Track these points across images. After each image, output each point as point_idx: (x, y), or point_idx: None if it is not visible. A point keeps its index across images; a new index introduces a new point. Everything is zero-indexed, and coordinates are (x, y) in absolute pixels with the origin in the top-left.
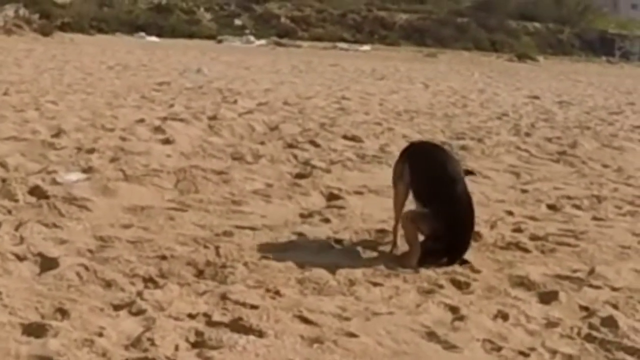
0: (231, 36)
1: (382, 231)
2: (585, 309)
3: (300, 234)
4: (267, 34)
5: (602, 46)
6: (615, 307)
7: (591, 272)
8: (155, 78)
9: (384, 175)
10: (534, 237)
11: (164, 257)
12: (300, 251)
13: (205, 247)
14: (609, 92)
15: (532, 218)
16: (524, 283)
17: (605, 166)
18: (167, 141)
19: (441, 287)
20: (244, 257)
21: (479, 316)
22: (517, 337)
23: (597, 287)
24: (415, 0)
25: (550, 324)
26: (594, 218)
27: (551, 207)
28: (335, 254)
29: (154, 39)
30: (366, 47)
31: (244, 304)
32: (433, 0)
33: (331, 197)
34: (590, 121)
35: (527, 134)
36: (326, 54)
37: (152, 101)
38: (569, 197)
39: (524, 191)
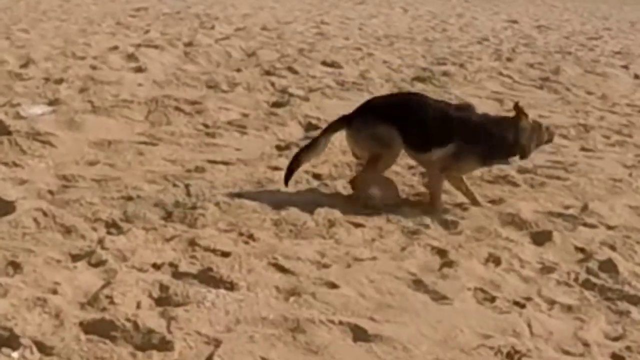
0: None
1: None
2: (581, 250)
3: (276, 169)
4: None
5: None
6: (612, 248)
7: (584, 208)
8: (133, 3)
9: None
10: (522, 170)
11: (129, 198)
12: (277, 188)
13: (175, 185)
14: (585, 17)
15: None
16: (514, 222)
17: (589, 93)
18: (139, 69)
19: (427, 227)
20: (216, 197)
21: (469, 261)
22: (511, 285)
23: (592, 226)
24: None
25: (546, 269)
26: (583, 148)
27: None
28: (313, 191)
29: None
30: None
31: (214, 251)
32: None
33: (309, 127)
34: (571, 46)
35: (509, 59)
36: None
37: (127, 27)
38: (555, 126)
39: None
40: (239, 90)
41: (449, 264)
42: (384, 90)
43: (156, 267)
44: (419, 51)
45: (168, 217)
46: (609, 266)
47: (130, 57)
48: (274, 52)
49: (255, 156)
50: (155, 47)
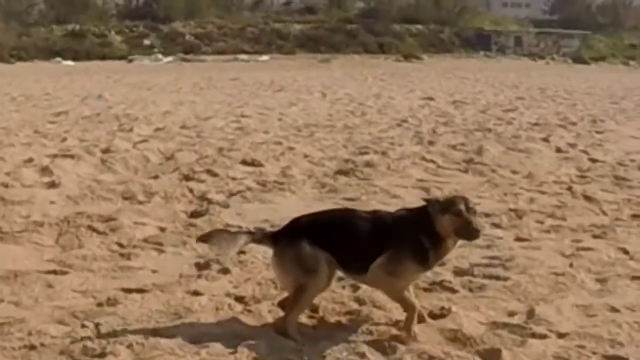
0: (141, 55)
1: None
2: None
3: (195, 293)
4: (174, 51)
5: (480, 42)
6: None
7: (530, 314)
8: (55, 108)
9: (287, 204)
10: (458, 272)
11: (32, 347)
12: (196, 318)
13: (84, 325)
14: (497, 87)
15: None
16: (458, 338)
17: (514, 172)
18: (52, 184)
19: (363, 356)
20: (128, 337)
21: None
22: None
23: (542, 336)
24: (308, 12)
25: None
26: (518, 239)
27: None
28: (236, 319)
29: (69, 63)
30: (265, 57)
31: None
32: (324, 11)
33: None
34: (489, 121)
35: (431, 142)
36: (228, 66)
37: (44, 136)
38: (486, 214)
39: None
40: (156, 200)
41: None
42: (307, 187)
43: None
44: (340, 140)
45: None
46: None
47: (45, 170)
48: (192, 153)
49: (173, 279)
50: (72, 157)
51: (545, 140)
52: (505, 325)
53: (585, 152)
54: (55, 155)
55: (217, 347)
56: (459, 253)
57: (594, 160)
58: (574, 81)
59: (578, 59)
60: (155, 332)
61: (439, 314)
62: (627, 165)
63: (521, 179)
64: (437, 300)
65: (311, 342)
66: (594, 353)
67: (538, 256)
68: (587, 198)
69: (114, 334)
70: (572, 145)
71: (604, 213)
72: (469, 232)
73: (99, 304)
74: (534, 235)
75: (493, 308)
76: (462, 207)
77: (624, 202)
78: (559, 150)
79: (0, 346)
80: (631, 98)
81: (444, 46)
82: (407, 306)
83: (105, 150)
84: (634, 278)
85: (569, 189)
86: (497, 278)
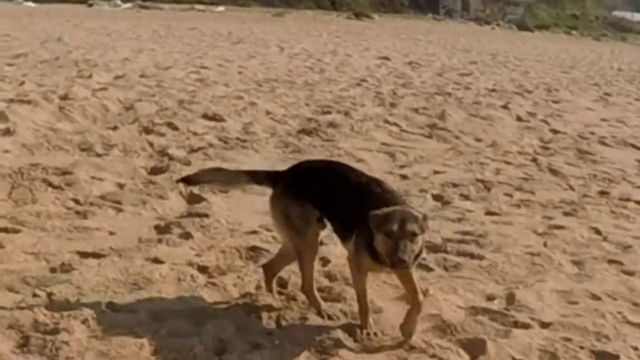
0: (101, 0)
1: (254, 249)
2: None
3: (155, 261)
4: None
5: (428, 4)
6: (554, 358)
7: (510, 300)
8: (14, 50)
9: (250, 164)
10: (432, 247)
11: None
12: (157, 290)
13: (35, 295)
14: (449, 50)
15: None
16: (438, 326)
17: (478, 140)
18: (7, 132)
19: (338, 343)
20: (84, 310)
21: None
22: None
23: (525, 326)
24: None
25: None
26: (488, 212)
27: (438, 198)
28: (199, 293)
29: (30, 4)
30: (221, 8)
31: None
32: None
33: (192, 198)
34: (447, 85)
35: (392, 105)
36: (185, 15)
37: (2, 79)
38: (454, 184)
39: (404, 177)
40: (115, 153)
41: None
42: (270, 146)
43: None
44: (302, 98)
45: (25, 345)
46: None
47: (0, 116)
48: (152, 104)
49: (132, 243)
50: (29, 102)
51: (505, 107)
52: (485, 311)
53: (545, 122)
54: (11, 100)
55: (179, 325)
56: (430, 226)
57: (555, 132)
58: (522, 48)
59: (522, 26)
60: (113, 306)
61: None
62: (589, 139)
63: (485, 148)
64: None
65: (282, 325)
66: (582, 347)
67: (511, 233)
68: (553, 171)
69: (68, 305)
70: (532, 115)
71: (572, 188)
72: (391, 260)
73: (53, 269)
74: (504, 210)
75: (471, 290)
76: (394, 227)
77: (590, 177)
78: (519, 119)
79: None
80: (580, 68)
81: (394, 6)
82: (361, 304)
83: (64, 97)
84: (610, 262)
85: (534, 160)
86: (472, 256)
